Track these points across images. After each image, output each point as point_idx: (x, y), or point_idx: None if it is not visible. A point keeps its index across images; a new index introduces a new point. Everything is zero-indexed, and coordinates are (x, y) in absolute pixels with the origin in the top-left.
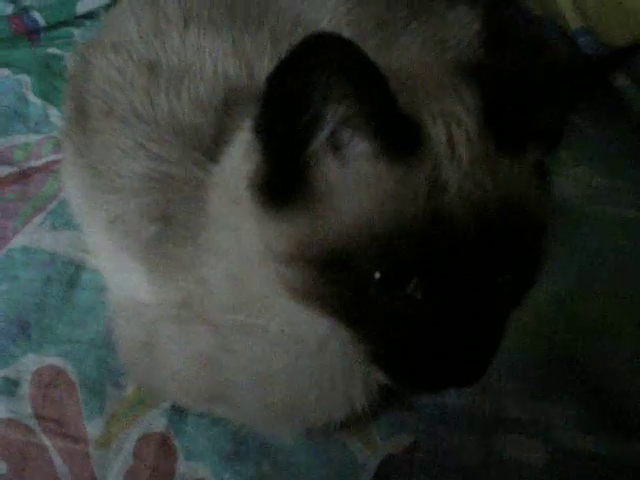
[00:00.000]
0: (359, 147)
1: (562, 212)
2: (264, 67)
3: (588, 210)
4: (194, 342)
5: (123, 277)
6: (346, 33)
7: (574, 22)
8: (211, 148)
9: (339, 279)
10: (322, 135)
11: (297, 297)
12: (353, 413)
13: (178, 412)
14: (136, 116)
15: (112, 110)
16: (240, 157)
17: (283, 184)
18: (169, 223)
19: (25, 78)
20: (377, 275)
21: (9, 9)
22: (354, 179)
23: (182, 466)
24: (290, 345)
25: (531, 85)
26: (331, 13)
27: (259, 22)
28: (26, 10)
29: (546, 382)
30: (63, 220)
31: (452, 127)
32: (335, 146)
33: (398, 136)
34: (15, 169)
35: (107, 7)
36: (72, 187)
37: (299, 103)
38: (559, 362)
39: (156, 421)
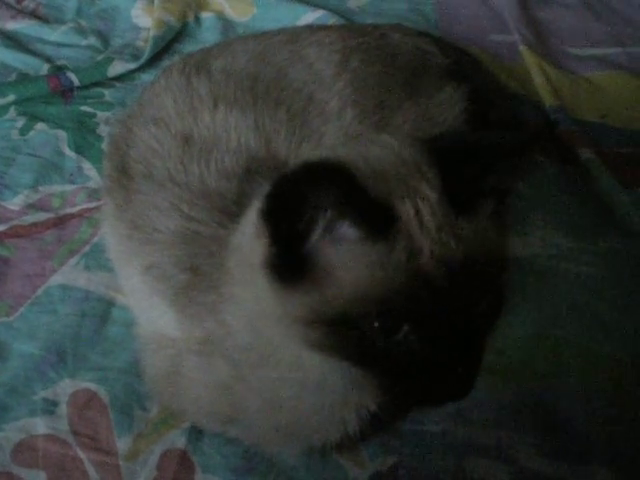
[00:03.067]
0: (348, 234)
1: (529, 268)
2: (281, 140)
3: (552, 267)
4: (214, 372)
5: (154, 315)
6: (350, 112)
7: (548, 99)
8: (233, 211)
9: (348, 335)
10: (316, 233)
11: (315, 349)
12: (346, 436)
13: (196, 432)
14: (171, 181)
15: (151, 174)
16: (254, 229)
17: (290, 267)
18: (196, 273)
19: (60, 133)
20: (376, 324)
21: (45, 68)
22: (348, 258)
23: (199, 478)
24: (296, 379)
25: (480, 154)
26: (338, 94)
27: (277, 102)
28: (61, 70)
29: (510, 414)
30: (96, 262)
31: (418, 202)
32: (330, 235)
33: (376, 222)
34: (52, 215)
35: (135, 71)
36: (111, 235)
37: (296, 211)
38: (521, 397)
39: (177, 439)
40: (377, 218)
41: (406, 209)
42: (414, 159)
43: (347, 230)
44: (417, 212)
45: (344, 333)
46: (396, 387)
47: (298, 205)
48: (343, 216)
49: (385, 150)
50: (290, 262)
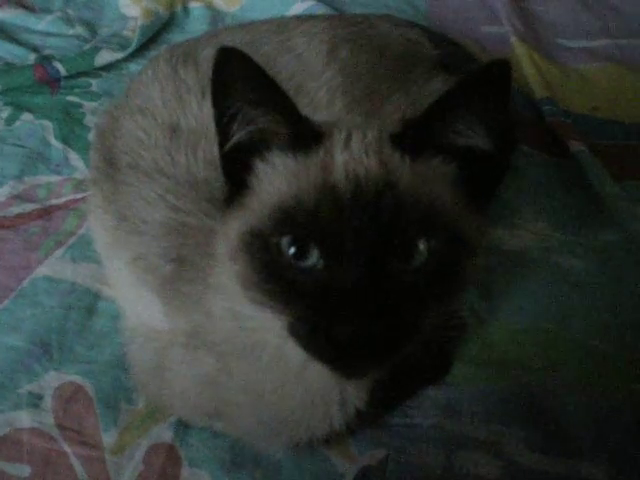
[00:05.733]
0: (275, 147)
1: (520, 261)
2: None
3: (544, 260)
4: (199, 366)
5: (140, 307)
6: (340, 101)
7: (539, 91)
8: (220, 201)
9: (257, 251)
10: (241, 132)
11: (245, 289)
12: (333, 431)
13: (183, 425)
14: (158, 171)
15: (138, 165)
16: None
17: (231, 190)
18: (183, 264)
19: (47, 123)
20: (285, 245)
21: (31, 58)
22: (271, 171)
23: (186, 472)
24: (277, 372)
25: (432, 107)
26: (327, 83)
27: None
28: (48, 59)
29: (500, 407)
30: (82, 254)
31: (353, 131)
32: (262, 150)
33: (301, 136)
34: (38, 206)
35: (122, 61)
36: (98, 227)
37: (223, 107)
38: (511, 391)
39: (164, 433)
40: (302, 133)
41: (339, 134)
42: (380, 121)
43: (274, 144)
44: (348, 136)
45: (253, 252)
46: (299, 330)
47: (221, 98)
48: (261, 112)
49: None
50: (231, 188)
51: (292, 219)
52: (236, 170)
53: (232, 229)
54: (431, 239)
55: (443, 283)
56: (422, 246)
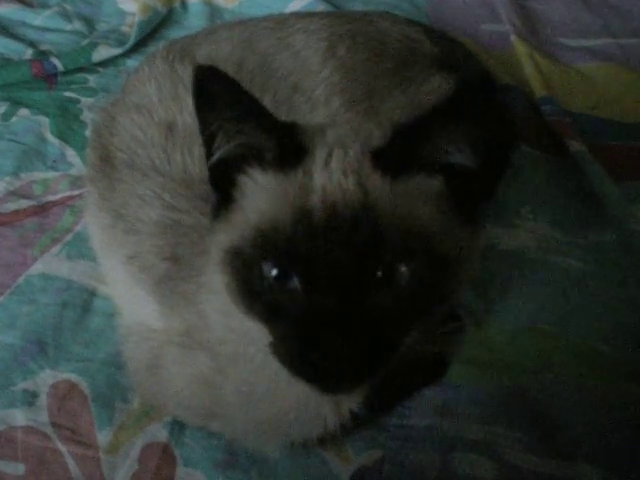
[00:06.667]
0: (258, 163)
1: (518, 261)
2: None
3: (542, 260)
4: (194, 365)
5: (136, 305)
6: (337, 99)
7: (539, 90)
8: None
9: (239, 271)
10: (224, 148)
11: (231, 299)
12: (327, 431)
13: (178, 425)
14: (154, 169)
15: (134, 163)
16: None
17: (221, 205)
18: (178, 263)
19: (43, 119)
20: (265, 268)
21: (28, 53)
22: (254, 187)
23: (181, 472)
24: (270, 372)
25: (415, 123)
26: (325, 82)
27: (262, 89)
28: (45, 55)
29: (496, 409)
30: (78, 251)
31: (334, 149)
32: (246, 165)
33: (281, 154)
34: (34, 202)
35: (120, 56)
36: (94, 225)
37: (205, 123)
38: (508, 392)
39: (159, 432)
40: (283, 150)
41: (320, 152)
42: (368, 128)
43: (257, 160)
44: (329, 155)
45: (235, 270)
46: (280, 349)
47: (202, 115)
48: (241, 129)
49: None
50: (219, 202)
51: (271, 244)
52: (223, 183)
53: (218, 241)
54: (412, 262)
55: (425, 301)
56: (403, 269)
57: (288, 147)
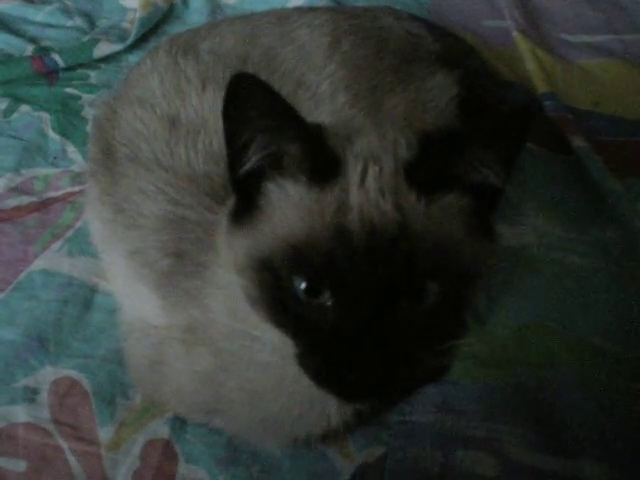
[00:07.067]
0: (289, 173)
1: (522, 258)
2: None
3: (544, 257)
4: (197, 362)
5: (137, 301)
6: (342, 96)
7: (541, 86)
8: (221, 194)
9: (268, 282)
10: (255, 158)
11: (251, 304)
12: (330, 428)
13: (180, 421)
14: (157, 164)
15: (137, 157)
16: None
17: (243, 209)
18: (181, 258)
19: (44, 115)
20: (296, 282)
21: (29, 49)
22: (284, 197)
23: (182, 468)
24: (275, 370)
25: (451, 140)
26: (330, 77)
27: None
28: (46, 51)
29: (499, 406)
30: (79, 247)
31: (369, 164)
32: (275, 173)
33: (316, 166)
34: (35, 199)
35: (121, 52)
36: (95, 219)
37: (237, 133)
38: (511, 388)
39: (160, 429)
40: (317, 162)
41: (355, 166)
42: (394, 137)
43: (289, 170)
44: (364, 170)
45: (264, 280)
46: (307, 361)
47: (236, 122)
48: (276, 139)
49: (373, 126)
50: (243, 206)
51: (305, 260)
52: (247, 189)
53: (240, 246)
54: (441, 280)
55: (450, 316)
56: (433, 288)
57: (324, 161)
